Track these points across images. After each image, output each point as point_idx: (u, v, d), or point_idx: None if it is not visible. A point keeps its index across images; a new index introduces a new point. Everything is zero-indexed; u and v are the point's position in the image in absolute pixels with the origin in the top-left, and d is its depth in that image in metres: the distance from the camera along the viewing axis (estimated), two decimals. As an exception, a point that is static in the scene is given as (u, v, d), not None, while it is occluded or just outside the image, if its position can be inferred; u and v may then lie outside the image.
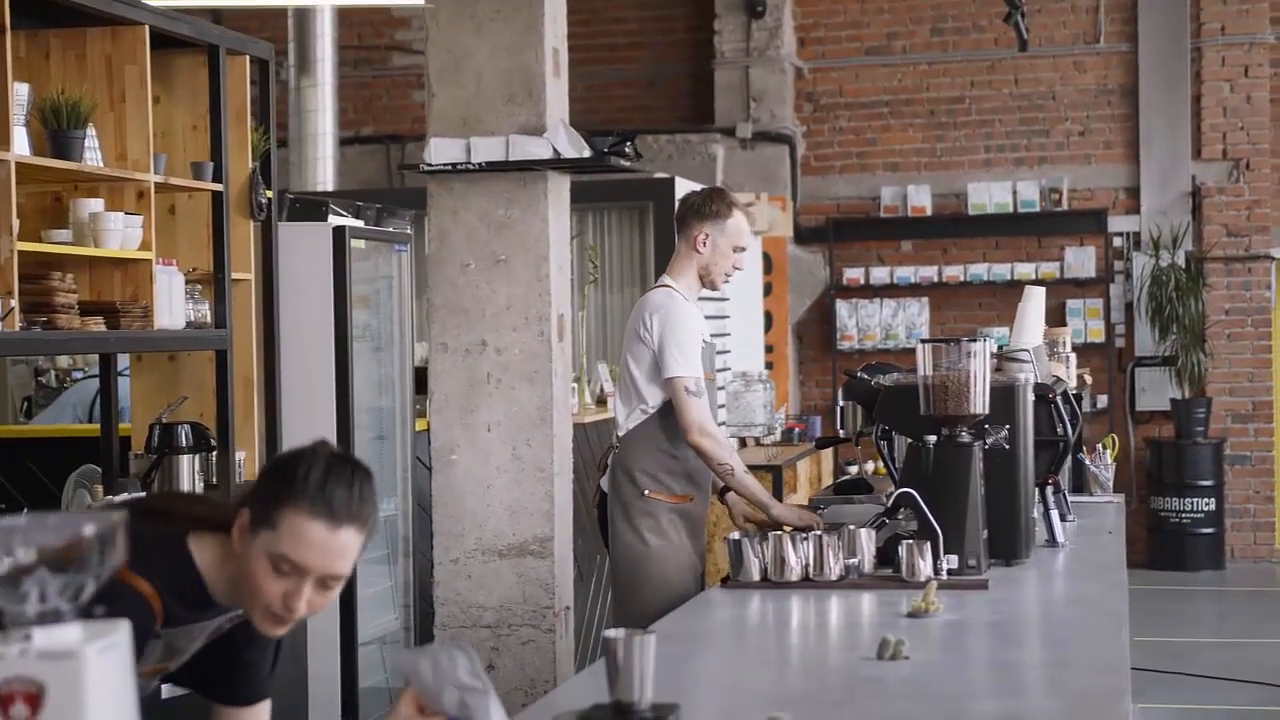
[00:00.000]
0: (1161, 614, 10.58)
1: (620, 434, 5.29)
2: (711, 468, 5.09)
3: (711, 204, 5.25)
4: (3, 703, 1.70)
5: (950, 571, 4.23)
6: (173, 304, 5.25)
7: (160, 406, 5.60)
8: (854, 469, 10.36)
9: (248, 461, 5.82)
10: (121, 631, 1.77)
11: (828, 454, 10.95)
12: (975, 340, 4.40)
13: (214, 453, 5.55)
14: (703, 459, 5.08)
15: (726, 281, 5.33)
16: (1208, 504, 12.10)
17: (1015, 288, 10.81)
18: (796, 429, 10.80)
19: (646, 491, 5.16)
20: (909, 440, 4.51)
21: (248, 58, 5.82)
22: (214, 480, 5.58)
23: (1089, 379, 10.34)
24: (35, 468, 6.31)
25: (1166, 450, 12.23)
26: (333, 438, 6.21)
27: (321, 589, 2.60)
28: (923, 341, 4.43)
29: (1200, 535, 12.12)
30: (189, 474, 5.39)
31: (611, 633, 2.75)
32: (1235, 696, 8.25)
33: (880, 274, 12.77)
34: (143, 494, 4.98)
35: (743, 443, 10.25)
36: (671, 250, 5.32)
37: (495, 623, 5.61)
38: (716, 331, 10.11)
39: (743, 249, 5.26)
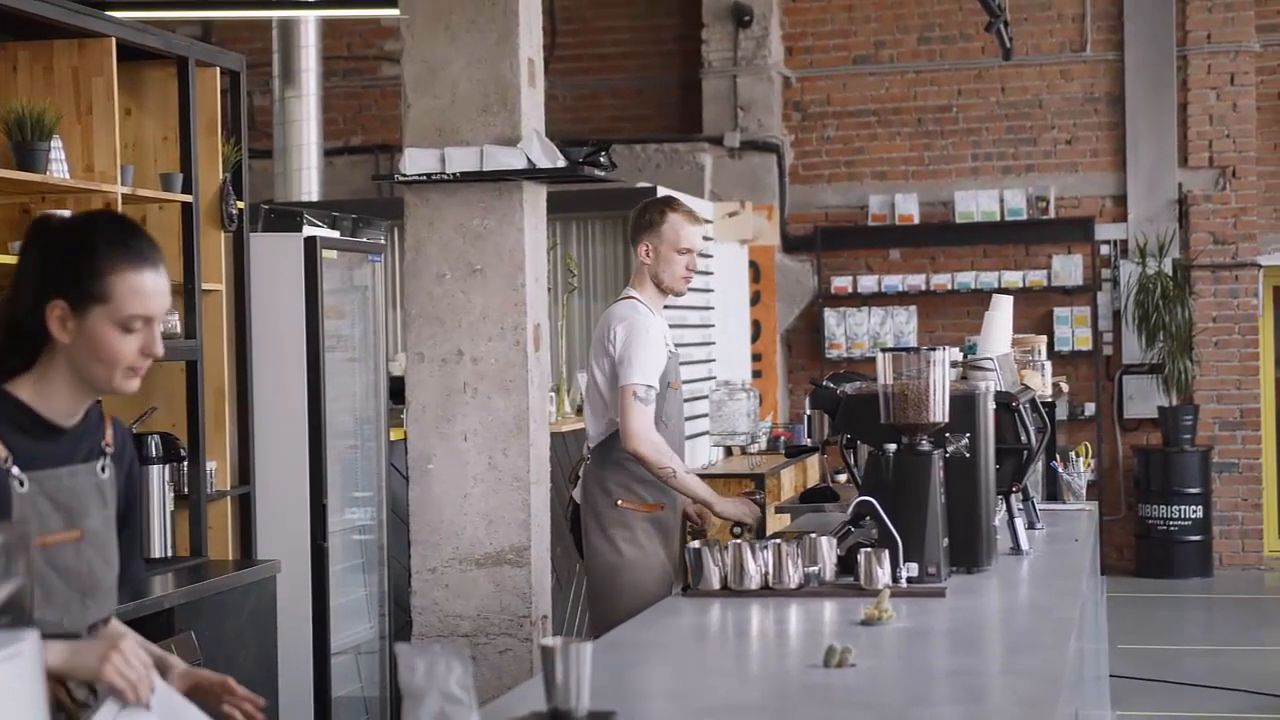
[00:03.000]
0: (1148, 621, 10.59)
1: (591, 445, 5.33)
2: (653, 473, 5.15)
3: (645, 214, 5.34)
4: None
5: (910, 579, 4.24)
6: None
7: (131, 417, 5.62)
8: (843, 477, 10.37)
9: (219, 472, 5.84)
10: (28, 641, 1.78)
11: (814, 462, 10.96)
12: (935, 349, 4.41)
13: (184, 463, 5.57)
14: (643, 465, 5.14)
15: (687, 284, 5.38)
16: (1195, 511, 12.11)
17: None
18: (783, 438, 10.81)
19: (619, 502, 5.22)
20: (870, 449, 4.53)
21: (218, 69, 5.84)
22: (185, 490, 5.59)
23: (1065, 387, 10.35)
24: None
25: (1154, 458, 12.24)
26: (306, 447, 6.24)
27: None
28: (883, 350, 4.45)
29: (1188, 543, 12.13)
30: (159, 484, 5.40)
31: (548, 641, 2.77)
32: (1218, 703, 8.26)
33: (868, 283, 12.79)
34: None
35: (728, 451, 10.27)
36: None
37: (473, 632, 5.62)
38: (701, 340, 10.16)
39: (688, 250, 5.31)
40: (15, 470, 2.65)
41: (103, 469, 2.83)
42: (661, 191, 9.45)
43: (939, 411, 4.36)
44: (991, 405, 4.67)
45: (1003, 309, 5.74)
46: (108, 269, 2.68)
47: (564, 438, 7.80)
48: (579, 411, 8.72)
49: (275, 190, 10.87)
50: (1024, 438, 4.98)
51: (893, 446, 4.36)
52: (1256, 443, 12.51)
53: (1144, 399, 12.48)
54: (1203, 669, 9.08)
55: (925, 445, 4.37)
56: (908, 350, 4.43)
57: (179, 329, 5.58)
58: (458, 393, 5.58)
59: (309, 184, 10.86)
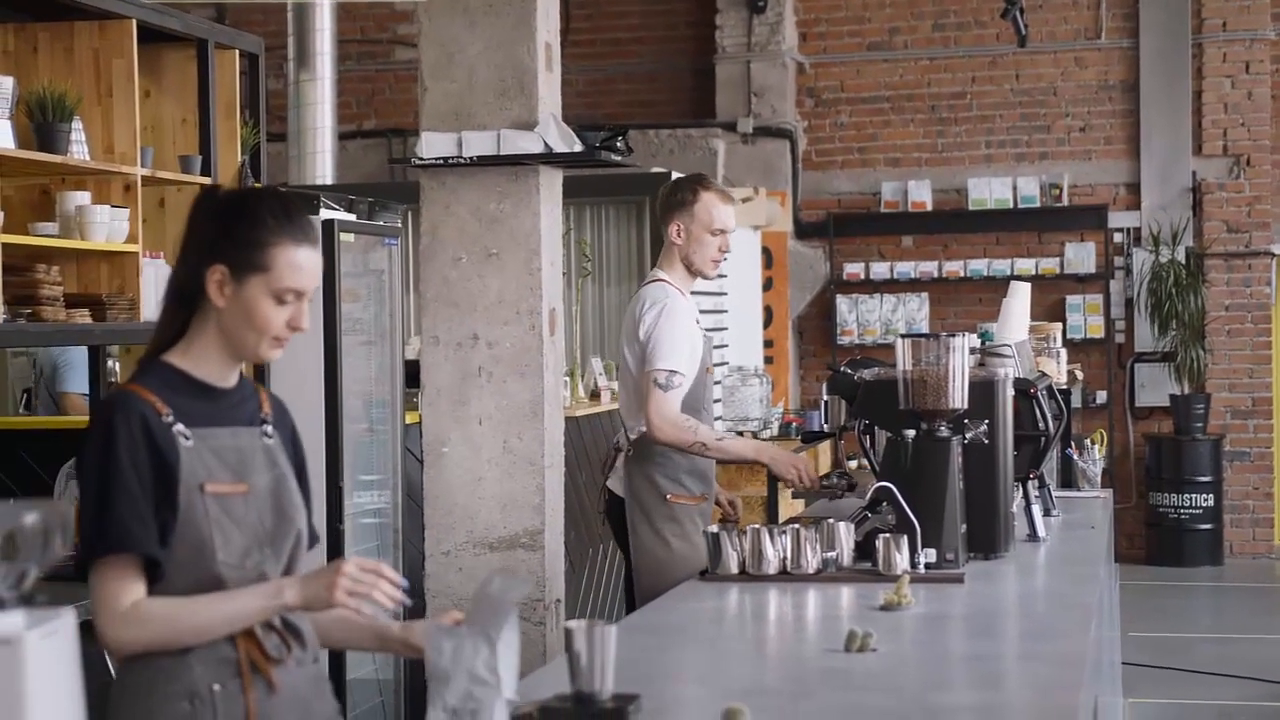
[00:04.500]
0: (1158, 609, 10.60)
1: (632, 436, 5.23)
2: (688, 453, 5.08)
3: (677, 193, 5.23)
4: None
5: (928, 565, 4.24)
6: (159, 296, 5.27)
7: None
8: (854, 464, 10.37)
9: (236, 453, 5.84)
10: (65, 619, 1.79)
11: (826, 448, 10.96)
12: (954, 336, 4.41)
13: (202, 444, 5.57)
14: (678, 448, 5.07)
15: (717, 267, 5.28)
16: (1206, 500, 12.11)
17: (1013, 283, 10.79)
18: (795, 424, 10.81)
19: (669, 496, 5.15)
20: (888, 435, 4.53)
21: (237, 52, 5.84)
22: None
23: (1080, 374, 10.35)
24: (30, 459, 6.34)
25: (1166, 446, 12.23)
26: (322, 430, 6.24)
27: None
28: (902, 336, 4.45)
29: (1199, 531, 12.13)
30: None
31: (572, 624, 2.77)
32: (1227, 692, 8.26)
33: (880, 269, 12.79)
34: None
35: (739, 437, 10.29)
36: (665, 245, 5.34)
37: (486, 615, 5.62)
38: (714, 325, 10.15)
39: (721, 231, 5.20)
40: (179, 427, 2.76)
41: (266, 434, 2.91)
42: (676, 176, 9.46)
43: (958, 398, 4.36)
44: (1010, 392, 4.67)
45: (1020, 296, 5.74)
46: (271, 240, 2.78)
47: (578, 422, 7.80)
48: (593, 396, 8.72)
49: (290, 173, 10.88)
50: (1042, 424, 4.98)
51: (911, 432, 4.36)
52: (1268, 431, 12.51)
53: (1156, 387, 12.48)
54: (1212, 657, 9.08)
55: (944, 431, 4.37)
56: (927, 336, 4.42)
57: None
58: (473, 377, 5.58)
59: (323, 167, 10.86)
